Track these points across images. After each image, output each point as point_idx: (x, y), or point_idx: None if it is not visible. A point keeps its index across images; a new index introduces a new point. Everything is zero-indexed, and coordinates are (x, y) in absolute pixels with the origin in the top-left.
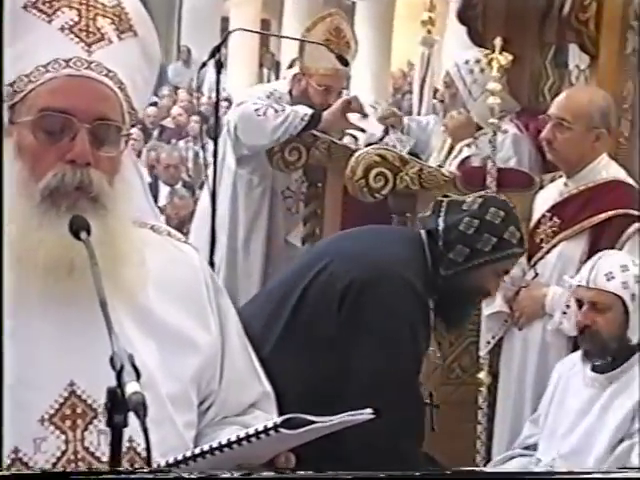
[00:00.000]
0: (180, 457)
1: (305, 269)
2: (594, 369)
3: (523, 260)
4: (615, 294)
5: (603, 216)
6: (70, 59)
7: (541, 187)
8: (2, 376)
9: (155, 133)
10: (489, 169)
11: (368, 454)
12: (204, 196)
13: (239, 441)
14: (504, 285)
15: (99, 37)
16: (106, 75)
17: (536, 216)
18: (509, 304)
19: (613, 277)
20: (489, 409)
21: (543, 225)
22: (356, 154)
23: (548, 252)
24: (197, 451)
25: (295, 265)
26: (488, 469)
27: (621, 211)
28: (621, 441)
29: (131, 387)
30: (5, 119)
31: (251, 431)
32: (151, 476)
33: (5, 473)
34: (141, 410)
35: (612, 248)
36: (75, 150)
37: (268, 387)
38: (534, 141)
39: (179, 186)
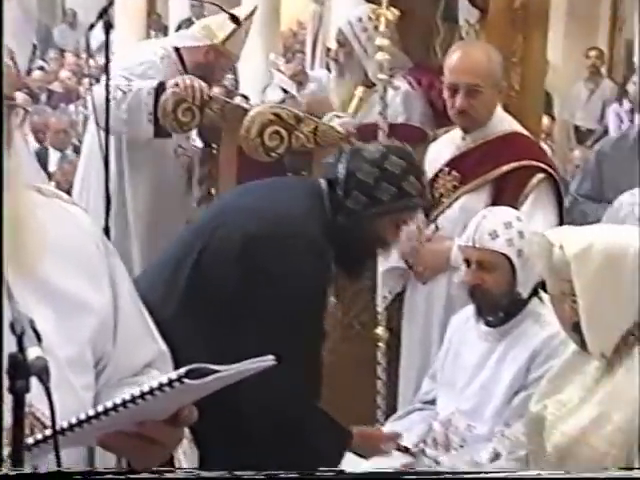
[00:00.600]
0: (83, 416)
1: (202, 227)
2: (487, 323)
3: (420, 215)
4: (500, 253)
5: (505, 168)
6: None
7: (433, 140)
8: (2, 375)
9: (43, 97)
10: (381, 125)
11: (268, 414)
12: (83, 158)
13: (143, 396)
14: (400, 240)
15: None
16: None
17: (432, 170)
18: (405, 259)
19: (497, 236)
20: (390, 364)
21: (442, 179)
22: (250, 113)
23: (449, 206)
24: (100, 409)
25: (192, 226)
26: (390, 422)
27: (523, 163)
28: (517, 393)
29: (33, 352)
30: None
31: (155, 384)
32: (155, 476)
33: (5, 473)
34: (44, 375)
35: (516, 200)
36: None
37: (163, 346)
38: (426, 96)
39: (69, 151)
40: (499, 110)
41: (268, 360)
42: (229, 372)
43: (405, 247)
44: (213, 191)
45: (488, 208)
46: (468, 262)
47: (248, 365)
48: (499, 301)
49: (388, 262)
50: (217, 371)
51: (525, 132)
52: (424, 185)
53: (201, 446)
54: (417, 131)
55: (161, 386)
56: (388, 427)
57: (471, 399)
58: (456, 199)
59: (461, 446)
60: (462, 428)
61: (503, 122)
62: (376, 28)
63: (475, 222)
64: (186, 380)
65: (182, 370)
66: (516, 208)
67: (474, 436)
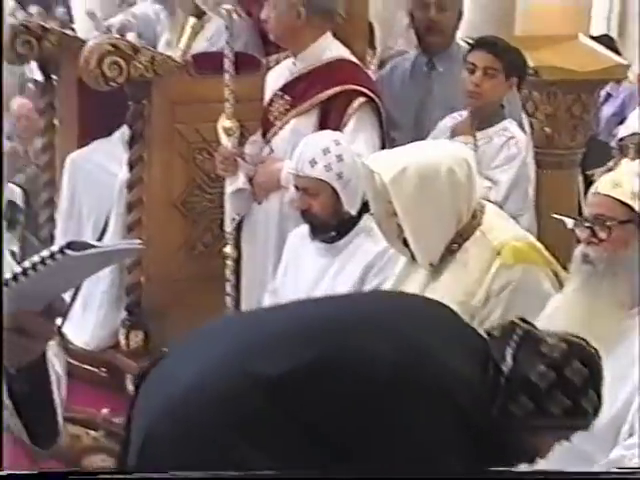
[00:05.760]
0: None
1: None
2: (322, 241)
3: (259, 138)
4: (320, 179)
5: (330, 92)
6: None
7: (269, 68)
8: (1, 376)
9: None
10: (227, 54)
11: None
12: None
13: (25, 272)
14: (245, 165)
15: None
16: None
17: (268, 95)
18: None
19: (316, 163)
20: (239, 282)
21: (275, 103)
22: (88, 44)
23: (282, 128)
24: None
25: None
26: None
27: (346, 87)
28: None
29: None
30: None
31: (36, 259)
32: (154, 476)
33: (6, 473)
34: None
35: (339, 123)
36: None
37: None
38: (256, 25)
39: None
40: (328, 36)
41: (135, 243)
42: (108, 249)
43: (250, 170)
44: (56, 122)
45: (309, 135)
46: (297, 188)
47: (124, 246)
48: (328, 222)
49: (235, 184)
50: (96, 246)
51: (352, 58)
52: (602, 401)
53: None
54: (254, 59)
55: (43, 259)
56: None
57: None
58: (287, 122)
59: None
60: None
61: (332, 48)
62: None
63: (298, 151)
64: (68, 251)
65: (63, 242)
66: (340, 130)
67: None
